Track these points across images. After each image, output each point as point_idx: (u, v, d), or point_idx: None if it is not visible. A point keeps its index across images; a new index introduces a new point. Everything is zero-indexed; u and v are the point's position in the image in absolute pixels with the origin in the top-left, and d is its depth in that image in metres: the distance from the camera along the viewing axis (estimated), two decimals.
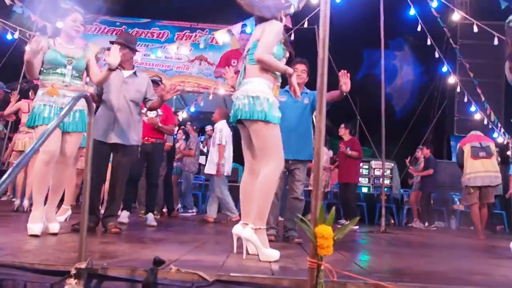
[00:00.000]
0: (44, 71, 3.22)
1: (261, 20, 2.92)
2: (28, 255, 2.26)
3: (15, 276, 1.88)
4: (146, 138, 4.78)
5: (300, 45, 10.77)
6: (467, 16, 7.23)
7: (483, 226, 5.91)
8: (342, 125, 7.18)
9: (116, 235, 3.54)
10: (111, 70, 3.28)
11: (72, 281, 1.84)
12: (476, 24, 6.75)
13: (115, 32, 10.24)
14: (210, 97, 8.75)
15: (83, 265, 1.87)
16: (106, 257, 2.36)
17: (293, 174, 3.89)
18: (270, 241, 3.47)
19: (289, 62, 3.86)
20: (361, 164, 10.38)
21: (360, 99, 10.79)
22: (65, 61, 3.22)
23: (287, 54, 2.95)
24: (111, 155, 3.84)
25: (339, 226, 6.05)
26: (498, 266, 3.02)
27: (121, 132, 3.70)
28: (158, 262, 1.98)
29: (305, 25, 7.71)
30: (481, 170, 5.73)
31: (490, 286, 2.13)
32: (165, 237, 3.73)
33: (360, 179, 10.33)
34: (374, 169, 10.30)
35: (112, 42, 3.71)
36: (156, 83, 4.83)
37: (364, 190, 10.24)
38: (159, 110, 4.89)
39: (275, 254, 2.55)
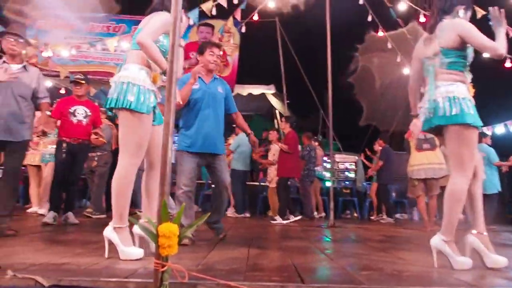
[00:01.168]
0: None
1: (152, 11, 2.80)
2: None
3: None
4: (74, 138, 4.66)
5: (260, 37, 10.70)
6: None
7: (431, 217, 5.86)
8: (283, 119, 7.08)
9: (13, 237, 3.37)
10: None
11: None
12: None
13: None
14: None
15: None
16: None
17: (215, 167, 3.60)
18: (184, 245, 3.10)
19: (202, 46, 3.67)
20: (325, 158, 10.38)
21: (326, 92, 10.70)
22: None
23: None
24: None
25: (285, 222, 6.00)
26: (403, 260, 2.91)
27: (8, 129, 3.52)
28: None
29: (255, 17, 7.52)
30: (425, 163, 5.67)
31: (362, 284, 2.02)
32: (74, 238, 3.58)
33: (324, 172, 10.33)
34: (338, 162, 10.21)
35: (4, 33, 3.57)
36: (77, 83, 4.70)
37: (328, 184, 10.15)
38: (87, 111, 4.74)
39: (136, 252, 2.43)
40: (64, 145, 4.61)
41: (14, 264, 2.16)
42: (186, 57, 10.43)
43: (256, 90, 10.43)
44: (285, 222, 6.31)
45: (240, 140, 7.82)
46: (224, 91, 3.71)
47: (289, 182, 6.89)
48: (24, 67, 3.74)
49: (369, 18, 7.05)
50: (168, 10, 2.84)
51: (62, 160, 4.63)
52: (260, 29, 10.01)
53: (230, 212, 7.71)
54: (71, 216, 4.70)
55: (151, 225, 1.81)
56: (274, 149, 7.37)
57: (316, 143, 8.46)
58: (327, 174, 10.34)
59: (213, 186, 3.82)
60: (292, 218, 6.43)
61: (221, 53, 3.73)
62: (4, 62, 3.65)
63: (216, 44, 3.72)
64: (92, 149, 5.41)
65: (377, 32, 7.38)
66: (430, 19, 2.91)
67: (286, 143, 6.64)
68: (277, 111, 11.05)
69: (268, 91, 10.39)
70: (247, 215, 7.54)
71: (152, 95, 2.59)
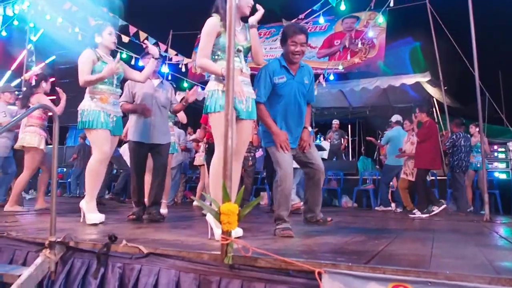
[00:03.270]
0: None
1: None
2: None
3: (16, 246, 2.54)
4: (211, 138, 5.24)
5: (411, 21, 10.06)
6: None
7: None
8: (417, 109, 6.56)
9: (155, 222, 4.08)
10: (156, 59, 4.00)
11: (46, 251, 2.39)
12: None
13: None
14: None
15: (53, 238, 2.40)
16: (123, 237, 2.53)
17: (305, 155, 3.39)
18: (289, 237, 3.08)
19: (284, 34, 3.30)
20: (495, 147, 9.14)
21: (491, 74, 9.45)
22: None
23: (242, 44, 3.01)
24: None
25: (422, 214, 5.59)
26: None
27: (158, 133, 4.26)
28: (112, 238, 2.40)
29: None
30: None
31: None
32: (191, 224, 4.08)
33: (496, 163, 9.11)
34: None
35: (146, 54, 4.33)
36: None
37: (502, 176, 8.91)
38: None
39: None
40: (206, 145, 5.32)
41: (140, 238, 2.71)
42: (332, 45, 10.84)
43: (410, 79, 9.88)
44: (424, 216, 5.88)
45: (392, 135, 7.58)
46: (309, 80, 3.42)
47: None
48: (162, 82, 4.46)
49: None
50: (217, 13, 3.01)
51: (208, 158, 5.35)
52: (409, 13, 9.51)
53: (378, 207, 7.58)
54: None
55: (215, 205, 2.10)
56: (414, 140, 6.93)
57: (475, 129, 7.53)
58: (499, 165, 9.14)
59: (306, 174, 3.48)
60: (436, 209, 5.92)
61: (305, 39, 3.25)
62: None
63: (301, 29, 3.26)
64: (248, 150, 5.95)
65: None
66: None
67: (421, 132, 6.23)
68: (434, 100, 10.21)
69: (423, 79, 9.71)
70: (398, 209, 7.23)
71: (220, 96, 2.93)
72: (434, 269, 1.83)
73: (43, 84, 5.32)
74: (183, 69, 8.64)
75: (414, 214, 6.09)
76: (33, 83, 5.29)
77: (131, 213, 4.21)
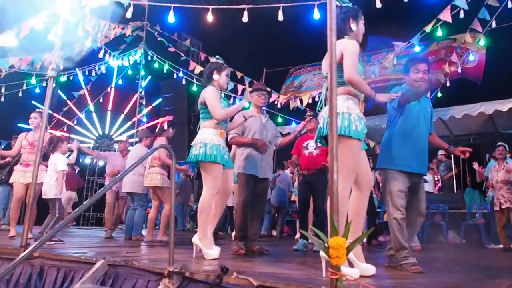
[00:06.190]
0: None
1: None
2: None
3: (138, 276, 2.77)
4: (307, 169, 5.24)
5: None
6: None
7: None
8: None
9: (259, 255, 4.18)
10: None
11: (166, 280, 2.58)
12: None
13: None
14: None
15: (171, 269, 2.59)
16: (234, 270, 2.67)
17: (416, 193, 3.36)
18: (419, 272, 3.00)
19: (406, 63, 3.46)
20: None
21: None
22: None
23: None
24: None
25: None
26: None
27: (267, 168, 4.41)
28: (224, 269, 2.53)
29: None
30: None
31: None
32: (293, 258, 4.08)
33: None
34: None
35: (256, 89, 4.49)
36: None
37: None
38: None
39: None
40: (301, 177, 5.35)
41: (248, 271, 2.81)
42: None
43: None
44: None
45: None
46: (431, 110, 3.52)
47: None
48: (268, 119, 4.56)
49: None
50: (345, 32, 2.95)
51: (302, 190, 5.40)
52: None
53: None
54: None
55: (323, 239, 2.13)
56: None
57: None
58: None
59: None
60: None
61: (426, 67, 3.39)
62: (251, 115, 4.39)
63: (423, 59, 3.52)
64: None
65: None
66: None
67: None
68: None
69: None
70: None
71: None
72: None
73: (170, 130, 5.86)
74: (279, 106, 8.93)
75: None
76: (165, 127, 5.72)
77: (239, 248, 4.18)
